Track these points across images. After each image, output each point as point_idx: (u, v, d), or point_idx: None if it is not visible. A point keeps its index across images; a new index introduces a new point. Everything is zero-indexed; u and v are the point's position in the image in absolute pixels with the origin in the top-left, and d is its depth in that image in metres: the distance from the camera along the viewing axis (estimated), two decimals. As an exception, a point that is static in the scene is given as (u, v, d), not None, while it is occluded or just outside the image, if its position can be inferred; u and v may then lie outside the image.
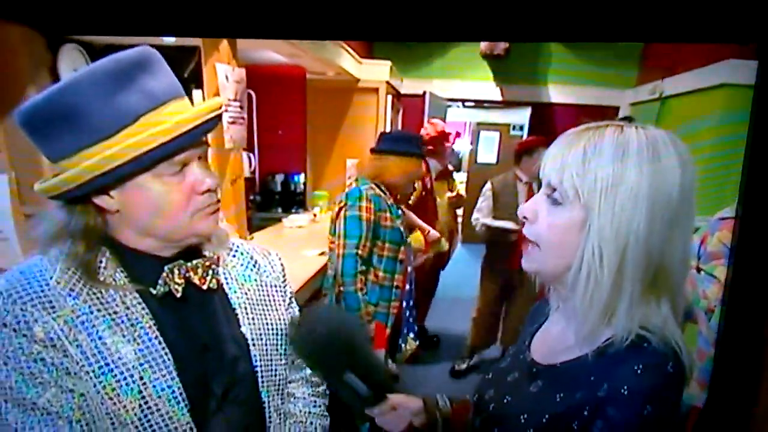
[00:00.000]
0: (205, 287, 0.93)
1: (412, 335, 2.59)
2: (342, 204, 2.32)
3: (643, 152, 0.73)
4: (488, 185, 3.58)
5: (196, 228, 0.88)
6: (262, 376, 0.98)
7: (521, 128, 8.24)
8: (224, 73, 1.97)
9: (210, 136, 0.92)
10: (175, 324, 0.88)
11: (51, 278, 0.81)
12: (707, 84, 3.36)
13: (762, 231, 0.88)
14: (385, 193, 2.39)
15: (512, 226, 3.31)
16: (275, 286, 1.08)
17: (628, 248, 0.73)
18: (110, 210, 0.83)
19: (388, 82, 4.59)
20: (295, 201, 4.72)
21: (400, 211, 2.49)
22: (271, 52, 3.50)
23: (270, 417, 1.00)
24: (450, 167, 4.09)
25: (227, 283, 0.99)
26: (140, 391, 0.82)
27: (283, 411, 1.04)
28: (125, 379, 0.81)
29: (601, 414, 0.73)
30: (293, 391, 1.12)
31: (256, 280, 1.04)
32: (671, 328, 0.76)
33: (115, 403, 0.80)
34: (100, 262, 0.85)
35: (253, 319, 0.99)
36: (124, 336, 0.83)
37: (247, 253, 1.07)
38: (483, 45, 5.03)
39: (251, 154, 4.20)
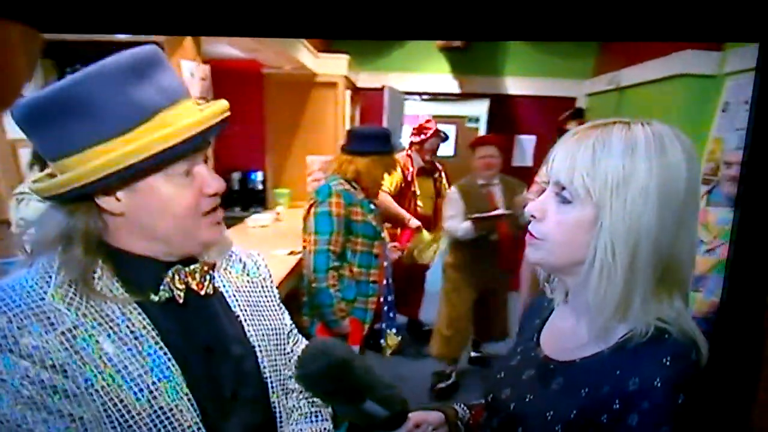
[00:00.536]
0: (203, 292, 0.91)
1: (393, 330, 2.63)
2: (312, 201, 2.35)
3: (651, 148, 0.74)
4: (453, 191, 3.42)
5: (202, 236, 0.87)
6: (269, 376, 0.99)
7: (477, 120, 8.36)
8: (189, 70, 1.89)
9: None
10: (177, 330, 0.87)
11: (46, 292, 0.77)
12: (665, 74, 3.45)
13: (761, 226, 0.88)
14: (355, 188, 2.40)
15: (504, 210, 3.24)
16: (265, 287, 1.08)
17: (640, 243, 0.75)
18: (114, 212, 0.80)
19: (346, 77, 4.52)
20: (255, 199, 4.64)
21: (372, 206, 2.50)
22: (227, 46, 3.40)
23: (279, 415, 1.00)
24: (436, 164, 4.11)
25: (223, 286, 0.98)
26: (150, 403, 0.80)
27: (287, 407, 1.05)
28: (135, 394, 0.79)
29: (634, 408, 0.74)
30: (293, 386, 1.12)
31: (247, 281, 1.04)
32: (686, 320, 0.79)
33: (125, 418, 0.78)
34: (94, 272, 0.81)
35: (253, 319, 1.00)
36: (128, 349, 0.80)
37: (236, 255, 1.07)
38: (440, 37, 5.00)
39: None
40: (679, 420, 0.73)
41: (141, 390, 0.79)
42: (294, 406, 1.10)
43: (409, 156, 3.86)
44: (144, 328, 0.82)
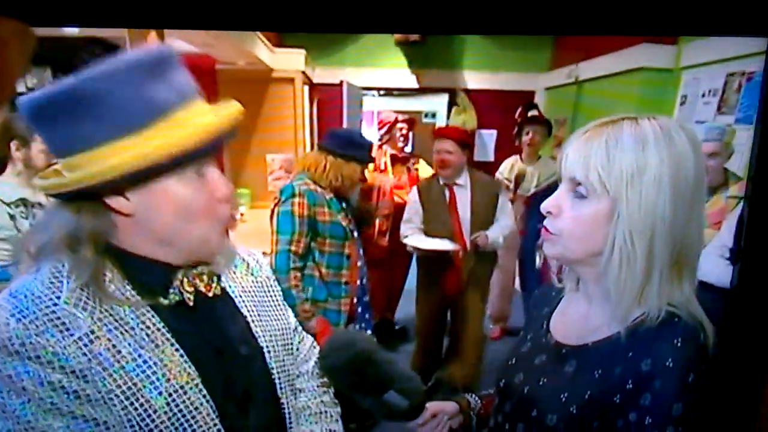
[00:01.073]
0: (210, 294, 0.92)
1: (369, 332, 2.59)
2: (276, 201, 2.35)
3: (660, 140, 0.79)
4: (414, 192, 3.10)
5: (210, 244, 0.88)
6: (278, 375, 1.00)
7: (434, 116, 8.41)
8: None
9: None
10: (189, 332, 0.87)
11: (59, 297, 0.77)
12: (624, 67, 3.57)
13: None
14: (323, 188, 2.38)
15: (449, 246, 2.80)
16: (269, 286, 1.10)
17: (656, 232, 0.80)
18: (123, 212, 0.80)
19: (303, 72, 4.45)
20: (213, 199, 4.50)
21: (343, 204, 2.48)
22: (180, 41, 3.25)
23: (289, 415, 1.02)
24: (407, 152, 4.10)
25: (229, 287, 0.99)
26: (170, 405, 0.81)
27: (296, 407, 1.06)
28: (155, 396, 0.80)
29: (647, 387, 0.79)
30: (301, 386, 1.14)
31: (252, 281, 1.05)
32: (694, 304, 0.85)
33: (146, 422, 0.79)
34: (105, 274, 0.81)
35: (260, 319, 1.01)
36: (146, 351, 0.81)
37: (239, 255, 1.07)
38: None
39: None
40: (690, 398, 0.78)
41: (161, 392, 0.80)
42: (303, 406, 1.11)
43: (380, 148, 3.88)
44: (158, 330, 0.83)
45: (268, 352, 0.99)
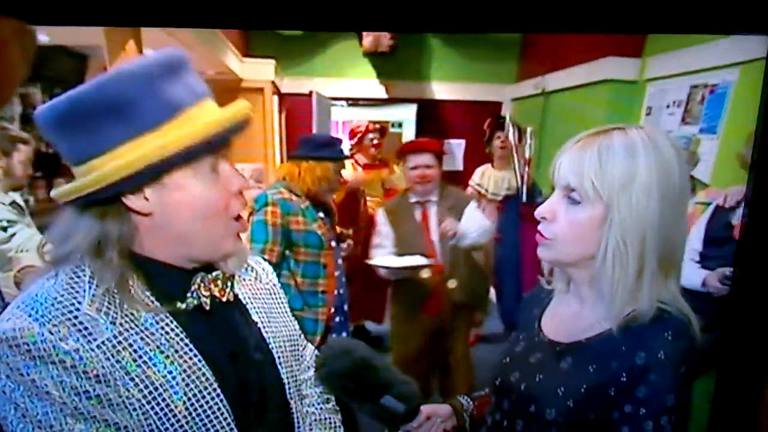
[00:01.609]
0: (224, 299, 0.94)
1: None
2: (250, 210, 2.36)
3: (649, 149, 0.85)
4: (380, 215, 2.84)
5: (223, 243, 0.90)
6: (287, 381, 1.02)
7: (400, 125, 8.45)
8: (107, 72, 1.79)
9: None
10: (205, 337, 0.89)
11: (80, 303, 0.78)
12: (589, 79, 3.67)
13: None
14: (299, 196, 2.39)
15: (422, 261, 2.60)
16: (275, 293, 1.12)
17: (646, 235, 0.85)
18: (142, 212, 0.82)
19: (273, 82, 4.43)
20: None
21: (320, 214, 2.48)
22: (148, 49, 3.20)
23: (298, 421, 1.04)
24: (382, 160, 4.07)
25: (241, 294, 1.01)
26: (188, 410, 0.82)
27: (303, 413, 1.08)
28: (174, 401, 0.81)
29: (642, 380, 0.84)
30: (305, 392, 1.16)
31: (260, 288, 1.08)
32: (681, 300, 0.91)
33: (165, 426, 0.80)
34: (129, 280, 0.83)
35: (270, 325, 1.03)
36: (166, 357, 0.82)
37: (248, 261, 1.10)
38: (367, 43, 5.07)
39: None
40: (682, 388, 0.84)
41: (180, 397, 0.82)
42: (307, 411, 1.13)
43: (354, 161, 3.85)
44: (177, 335, 0.85)
45: (279, 357, 1.01)
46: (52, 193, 0.81)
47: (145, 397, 0.79)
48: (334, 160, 2.45)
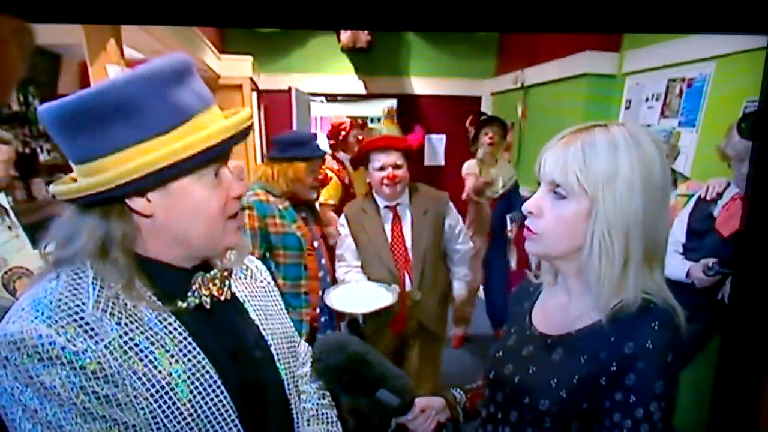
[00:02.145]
0: (222, 298, 0.96)
1: None
2: None
3: (630, 145, 0.89)
4: (342, 221, 2.57)
5: (225, 239, 0.92)
6: (286, 378, 1.04)
7: (379, 120, 8.44)
8: (115, 74, 1.76)
9: None
10: (206, 335, 0.90)
11: (85, 304, 0.79)
12: (568, 74, 3.71)
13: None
14: (277, 197, 2.35)
15: (385, 300, 2.25)
16: (270, 291, 1.13)
17: (630, 228, 0.89)
18: (143, 213, 0.83)
19: (251, 78, 4.40)
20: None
21: (303, 214, 2.45)
22: (126, 47, 3.15)
23: (297, 417, 1.06)
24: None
25: (238, 292, 1.03)
26: (194, 408, 0.84)
27: (300, 409, 1.10)
28: (180, 400, 0.83)
29: (631, 368, 0.88)
30: (302, 389, 1.18)
31: (256, 286, 1.09)
32: (666, 291, 0.94)
33: (172, 424, 0.82)
34: (135, 280, 0.84)
35: (268, 323, 1.05)
36: (171, 356, 0.84)
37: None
38: (344, 38, 5.06)
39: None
40: (670, 376, 0.87)
41: (186, 396, 0.83)
42: (304, 408, 1.15)
43: (339, 162, 3.73)
44: (180, 335, 0.86)
45: (277, 355, 1.03)
46: (52, 189, 0.82)
47: (152, 395, 0.80)
48: (306, 160, 2.37)
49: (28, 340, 0.73)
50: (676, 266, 2.09)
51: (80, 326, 0.77)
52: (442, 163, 5.41)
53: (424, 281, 2.48)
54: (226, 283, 0.97)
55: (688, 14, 0.83)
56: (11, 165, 2.39)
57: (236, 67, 4.36)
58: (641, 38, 3.19)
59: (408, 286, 2.46)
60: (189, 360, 0.85)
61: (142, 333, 0.82)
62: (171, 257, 0.89)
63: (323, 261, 2.53)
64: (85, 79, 2.21)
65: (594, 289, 0.94)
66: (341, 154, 3.79)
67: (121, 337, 0.80)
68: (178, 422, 0.82)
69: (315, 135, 2.56)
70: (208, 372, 0.87)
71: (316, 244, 2.48)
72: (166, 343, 0.84)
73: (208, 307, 0.92)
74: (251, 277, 1.09)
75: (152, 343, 0.83)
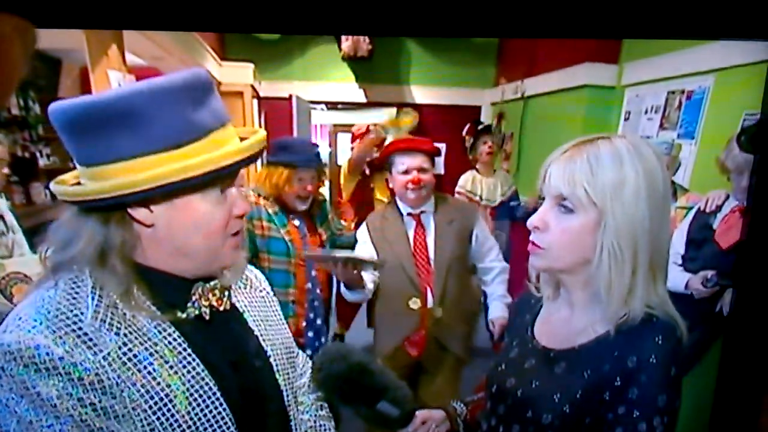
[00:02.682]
0: (222, 308, 0.95)
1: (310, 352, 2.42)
2: None
3: (633, 156, 0.89)
4: (362, 231, 2.39)
5: (223, 257, 0.91)
6: (285, 389, 1.03)
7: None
8: (117, 80, 1.78)
9: None
10: (207, 346, 0.90)
11: (83, 313, 0.78)
12: (568, 85, 3.72)
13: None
14: (267, 200, 2.31)
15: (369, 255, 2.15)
16: (269, 301, 1.12)
17: (638, 237, 0.89)
18: (144, 223, 0.83)
19: (252, 86, 4.42)
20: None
21: (295, 222, 2.37)
22: (129, 54, 3.17)
23: (296, 427, 1.05)
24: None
25: (238, 302, 1.02)
26: (193, 420, 0.83)
27: (298, 420, 1.09)
28: (179, 411, 0.82)
29: (634, 382, 0.88)
30: (300, 400, 1.17)
31: (255, 296, 1.09)
32: (668, 304, 0.94)
33: None
34: (134, 289, 0.84)
35: (267, 333, 1.04)
36: (170, 367, 0.83)
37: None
38: (345, 47, 5.07)
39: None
40: (672, 389, 0.88)
41: (185, 408, 0.82)
42: (302, 419, 1.14)
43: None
44: (180, 345, 0.85)
45: (276, 365, 1.02)
46: (53, 188, 0.81)
47: (150, 408, 0.79)
48: (289, 166, 2.27)
49: (24, 350, 0.72)
50: (675, 277, 2.10)
51: (78, 336, 0.76)
52: (442, 171, 5.41)
53: (447, 297, 2.25)
54: (226, 293, 0.96)
55: (689, 20, 0.83)
56: (4, 165, 2.37)
57: (237, 74, 4.40)
58: (640, 50, 3.21)
59: (430, 302, 2.25)
60: (188, 371, 0.85)
61: (141, 344, 0.81)
62: (171, 267, 0.88)
63: (313, 273, 2.42)
64: (86, 84, 2.22)
65: (604, 300, 0.93)
66: None
67: (120, 348, 0.79)
68: None
69: (313, 144, 2.52)
70: (207, 384, 0.86)
71: (307, 252, 2.38)
72: (165, 354, 0.83)
73: (207, 317, 0.91)
74: (250, 286, 1.09)
75: (151, 354, 0.82)
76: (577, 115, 3.63)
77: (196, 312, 0.90)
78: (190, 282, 0.90)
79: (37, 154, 3.65)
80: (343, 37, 5.04)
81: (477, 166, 3.92)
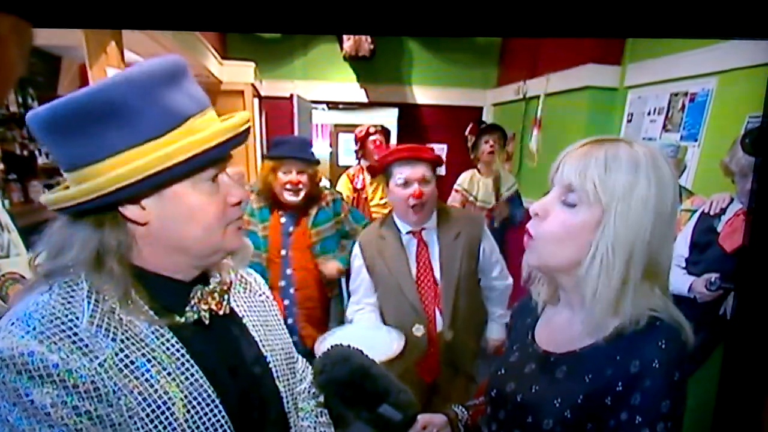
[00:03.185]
0: (221, 312, 0.93)
1: None
2: None
3: (650, 165, 0.88)
4: (356, 250, 2.16)
5: (226, 244, 0.89)
6: (285, 395, 1.02)
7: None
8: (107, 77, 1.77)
9: None
10: (205, 351, 0.88)
11: (78, 319, 0.76)
12: (570, 86, 3.71)
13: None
14: (259, 196, 2.42)
15: (388, 352, 1.73)
16: (269, 305, 1.11)
17: (635, 246, 0.88)
18: (138, 222, 0.81)
19: (253, 85, 4.41)
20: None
21: (282, 219, 2.46)
22: (128, 51, 3.17)
23: None
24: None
25: (237, 307, 1.00)
26: (191, 427, 0.82)
27: (298, 426, 1.08)
28: (177, 419, 0.80)
29: (637, 387, 0.86)
30: (300, 405, 1.15)
31: (254, 301, 1.07)
32: (672, 308, 0.93)
33: None
34: (132, 293, 0.82)
35: (267, 338, 1.02)
36: (168, 373, 0.81)
37: (239, 273, 1.09)
38: (347, 46, 5.06)
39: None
40: (676, 394, 0.86)
41: (183, 415, 0.81)
42: (301, 426, 1.13)
43: (360, 168, 3.83)
44: (178, 351, 0.84)
45: (276, 370, 1.01)
46: (42, 199, 0.79)
47: (148, 415, 0.78)
48: (274, 159, 2.39)
49: (17, 357, 0.70)
50: (678, 281, 2.09)
51: (74, 342, 0.74)
52: (443, 173, 5.41)
53: (458, 317, 2.05)
54: (225, 297, 0.94)
55: (693, 19, 0.82)
56: None
57: (238, 73, 4.38)
58: (643, 52, 3.20)
59: (439, 325, 2.05)
60: (186, 378, 0.83)
61: (138, 350, 0.79)
62: (170, 267, 0.86)
63: (288, 271, 2.46)
64: (85, 82, 2.21)
65: (588, 305, 0.92)
66: (364, 162, 3.86)
67: (116, 354, 0.77)
68: None
69: (305, 141, 2.60)
70: (206, 390, 0.84)
71: (284, 252, 2.44)
72: (162, 361, 0.81)
73: (206, 322, 0.89)
74: (250, 290, 1.07)
75: (149, 361, 0.80)
76: (579, 117, 3.62)
77: (195, 316, 0.88)
78: (188, 285, 0.89)
79: (36, 152, 3.63)
80: (345, 37, 5.04)
81: (478, 166, 3.89)
